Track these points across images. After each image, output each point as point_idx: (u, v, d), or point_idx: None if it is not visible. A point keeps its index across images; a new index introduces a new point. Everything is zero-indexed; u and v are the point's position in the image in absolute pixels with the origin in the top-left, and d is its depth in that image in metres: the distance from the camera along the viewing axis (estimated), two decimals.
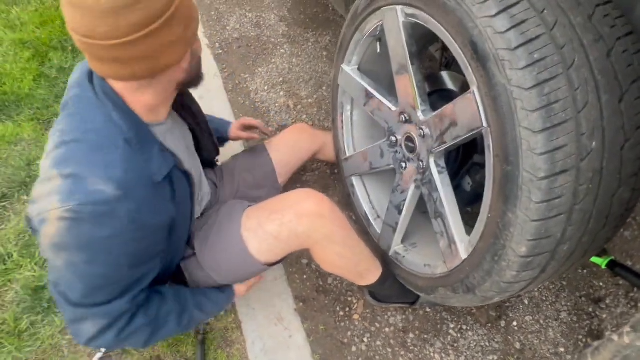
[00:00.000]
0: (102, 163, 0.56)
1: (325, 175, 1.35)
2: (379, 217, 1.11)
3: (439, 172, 0.79)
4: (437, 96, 0.94)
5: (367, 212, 1.11)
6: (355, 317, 1.04)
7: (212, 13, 1.92)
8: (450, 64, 1.11)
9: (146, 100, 0.62)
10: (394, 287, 0.98)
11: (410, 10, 0.70)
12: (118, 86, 0.60)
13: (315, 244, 0.83)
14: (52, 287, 0.62)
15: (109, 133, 0.58)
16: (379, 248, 1.03)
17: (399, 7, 0.71)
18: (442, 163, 0.80)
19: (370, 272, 0.93)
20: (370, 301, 1.03)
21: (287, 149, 1.13)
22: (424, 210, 0.95)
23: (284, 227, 0.79)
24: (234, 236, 0.81)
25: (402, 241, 0.98)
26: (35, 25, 1.65)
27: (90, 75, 0.62)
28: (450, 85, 0.95)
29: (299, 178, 1.32)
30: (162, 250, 0.70)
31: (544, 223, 0.52)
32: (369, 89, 0.95)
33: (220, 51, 1.74)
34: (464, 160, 0.91)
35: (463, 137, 0.65)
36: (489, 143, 0.57)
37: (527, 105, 0.49)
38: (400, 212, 0.93)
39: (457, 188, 0.86)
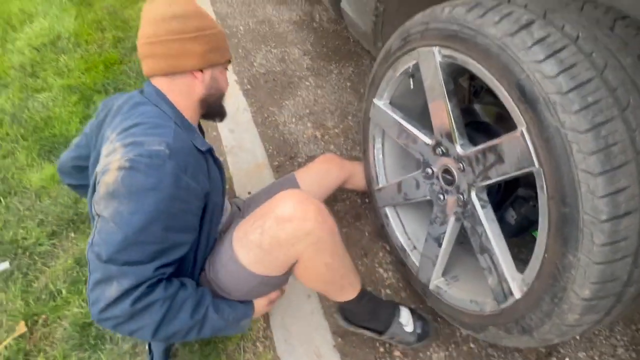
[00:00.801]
0: (158, 134, 0.70)
1: (356, 204, 1.36)
2: (415, 248, 1.09)
3: (482, 207, 0.78)
4: (471, 128, 0.95)
5: (403, 243, 1.10)
6: (396, 353, 1.01)
7: (240, 51, 2.03)
8: (479, 92, 1.12)
9: (179, 101, 0.80)
10: (367, 308, 0.94)
11: (447, 52, 0.72)
12: (162, 87, 0.79)
13: (302, 254, 0.76)
14: (89, 248, 0.66)
15: (163, 117, 0.75)
16: (418, 281, 1.01)
17: (435, 48, 0.74)
18: (485, 197, 0.79)
19: (352, 287, 0.90)
20: (340, 322, 0.99)
21: (316, 178, 1.16)
22: (462, 240, 0.94)
23: (265, 234, 0.74)
24: (227, 248, 0.80)
25: (443, 274, 0.96)
26: (80, 71, 1.78)
27: (141, 91, 0.82)
28: (484, 117, 0.95)
29: (330, 208, 1.33)
30: (194, 229, 0.74)
31: (609, 266, 0.50)
32: (402, 122, 0.97)
33: (249, 86, 1.82)
34: (506, 191, 0.89)
35: (511, 175, 0.64)
36: (542, 184, 0.56)
37: (583, 148, 0.49)
38: (439, 245, 0.92)
39: (500, 220, 0.84)
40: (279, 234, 0.74)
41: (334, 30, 2.17)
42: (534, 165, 0.57)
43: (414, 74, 0.92)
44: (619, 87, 0.50)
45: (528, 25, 0.55)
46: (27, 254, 1.19)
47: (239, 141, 1.58)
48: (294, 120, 1.67)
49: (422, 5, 0.99)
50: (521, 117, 0.57)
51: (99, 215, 0.67)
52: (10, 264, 1.16)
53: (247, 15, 2.28)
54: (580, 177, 0.50)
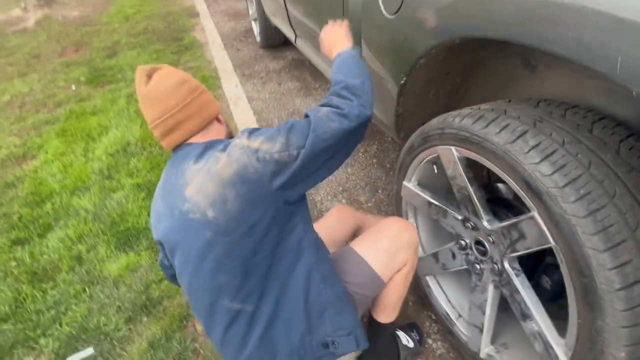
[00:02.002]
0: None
1: None
2: (460, 316, 1.15)
3: (516, 275, 0.88)
4: (494, 203, 1.08)
5: (448, 312, 1.17)
6: None
7: None
8: None
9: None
10: (386, 339, 1.13)
11: (463, 150, 0.89)
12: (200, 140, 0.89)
13: (410, 259, 1.02)
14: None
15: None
16: (468, 349, 1.06)
17: (453, 147, 0.92)
18: (517, 265, 0.89)
19: (399, 309, 1.12)
20: None
21: (331, 223, 1.32)
22: (506, 307, 1.00)
23: (392, 240, 1.00)
24: (354, 259, 0.99)
25: (492, 342, 1.01)
26: (146, 170, 2.12)
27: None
28: (504, 194, 1.09)
29: None
30: None
31: (636, 328, 0.58)
32: (432, 200, 1.12)
33: None
34: (536, 259, 0.98)
35: (534, 249, 0.76)
36: (561, 258, 0.67)
37: (586, 230, 0.61)
38: (483, 312, 0.99)
39: (536, 286, 0.92)
40: (404, 236, 1.02)
41: None
42: (550, 242, 0.69)
43: (436, 161, 1.09)
44: (605, 180, 0.63)
45: (523, 134, 0.72)
46: (108, 339, 1.34)
47: None
48: (329, 197, 1.86)
49: (429, 109, 1.22)
50: (532, 204, 0.71)
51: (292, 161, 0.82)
52: (94, 349, 1.31)
53: (279, 108, 2.66)
54: (589, 253, 0.61)
